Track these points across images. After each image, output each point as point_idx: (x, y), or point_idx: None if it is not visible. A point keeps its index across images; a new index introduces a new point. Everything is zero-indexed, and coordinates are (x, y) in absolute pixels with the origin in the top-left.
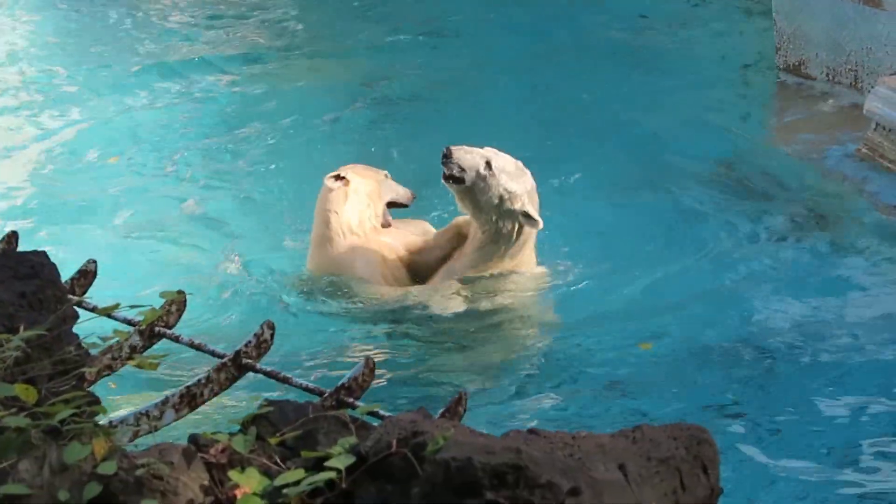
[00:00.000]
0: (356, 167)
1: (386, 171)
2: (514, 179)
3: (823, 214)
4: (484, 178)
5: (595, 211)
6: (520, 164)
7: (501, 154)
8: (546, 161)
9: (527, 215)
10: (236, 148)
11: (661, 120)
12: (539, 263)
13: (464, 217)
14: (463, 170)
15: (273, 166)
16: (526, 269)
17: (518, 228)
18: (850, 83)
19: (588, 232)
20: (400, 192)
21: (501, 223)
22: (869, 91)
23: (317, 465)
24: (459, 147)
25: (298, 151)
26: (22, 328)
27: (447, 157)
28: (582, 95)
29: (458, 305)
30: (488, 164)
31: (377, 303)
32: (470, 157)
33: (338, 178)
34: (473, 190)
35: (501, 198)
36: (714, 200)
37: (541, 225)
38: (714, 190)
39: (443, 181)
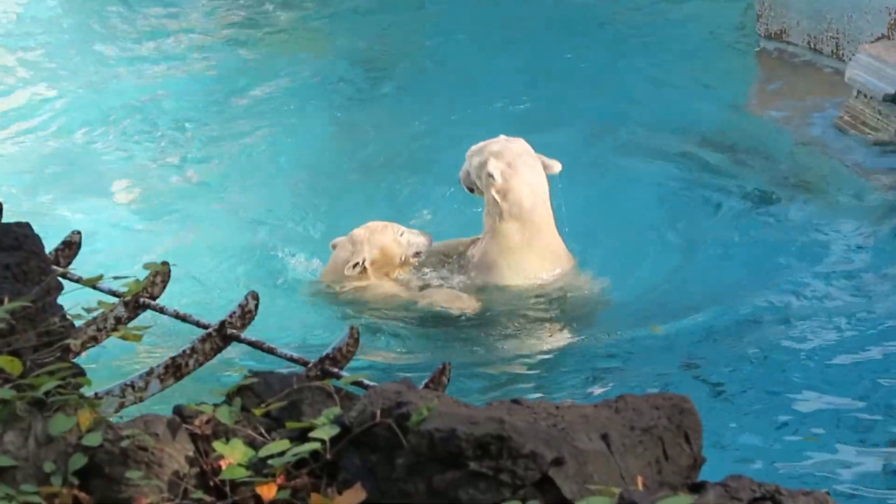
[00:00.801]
0: (371, 229)
1: (400, 227)
2: (476, 154)
3: (805, 181)
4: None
5: (576, 182)
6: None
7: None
8: (529, 132)
9: (489, 174)
10: (230, 122)
11: (643, 89)
12: None
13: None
14: (468, 185)
15: (268, 140)
16: (553, 239)
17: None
18: (832, 51)
19: (569, 205)
20: (417, 242)
21: (487, 195)
22: (850, 58)
23: (301, 436)
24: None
25: (294, 125)
26: (6, 300)
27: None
28: (564, 65)
29: (468, 304)
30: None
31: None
32: (463, 172)
33: (355, 266)
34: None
35: (479, 176)
36: (696, 169)
37: (496, 178)
38: (696, 158)
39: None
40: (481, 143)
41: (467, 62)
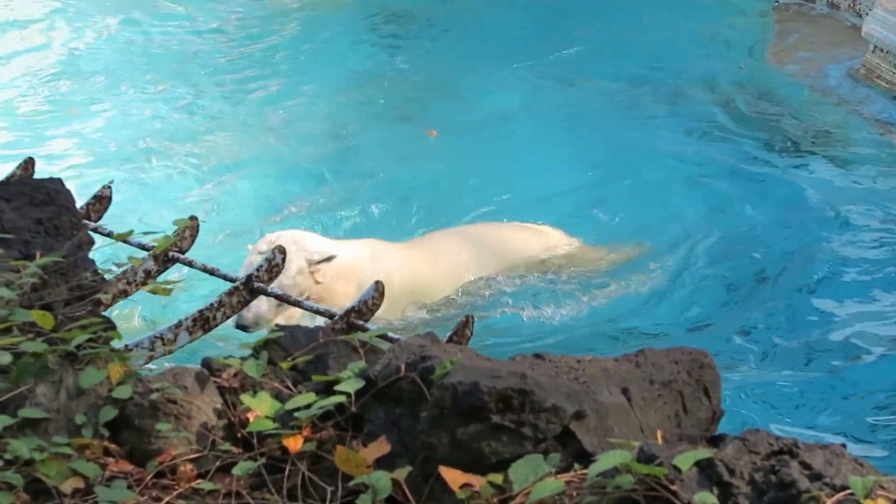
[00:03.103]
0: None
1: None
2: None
3: (822, 134)
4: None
5: (593, 134)
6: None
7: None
8: (552, 92)
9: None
10: (247, 75)
11: (660, 43)
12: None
13: None
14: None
15: (285, 93)
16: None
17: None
18: (849, 5)
19: (586, 157)
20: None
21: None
22: (867, 13)
23: (327, 389)
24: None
25: (308, 79)
26: (38, 255)
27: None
28: (586, 23)
29: None
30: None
31: None
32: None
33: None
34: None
35: (307, 272)
36: (714, 121)
37: (328, 255)
38: (714, 111)
39: None
40: (265, 252)
41: (488, 22)
